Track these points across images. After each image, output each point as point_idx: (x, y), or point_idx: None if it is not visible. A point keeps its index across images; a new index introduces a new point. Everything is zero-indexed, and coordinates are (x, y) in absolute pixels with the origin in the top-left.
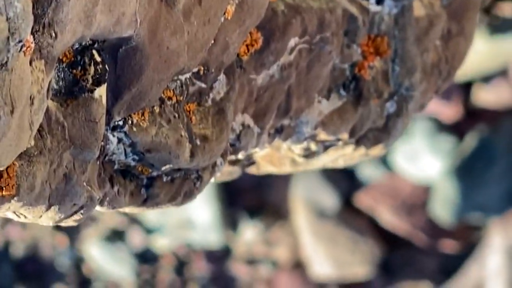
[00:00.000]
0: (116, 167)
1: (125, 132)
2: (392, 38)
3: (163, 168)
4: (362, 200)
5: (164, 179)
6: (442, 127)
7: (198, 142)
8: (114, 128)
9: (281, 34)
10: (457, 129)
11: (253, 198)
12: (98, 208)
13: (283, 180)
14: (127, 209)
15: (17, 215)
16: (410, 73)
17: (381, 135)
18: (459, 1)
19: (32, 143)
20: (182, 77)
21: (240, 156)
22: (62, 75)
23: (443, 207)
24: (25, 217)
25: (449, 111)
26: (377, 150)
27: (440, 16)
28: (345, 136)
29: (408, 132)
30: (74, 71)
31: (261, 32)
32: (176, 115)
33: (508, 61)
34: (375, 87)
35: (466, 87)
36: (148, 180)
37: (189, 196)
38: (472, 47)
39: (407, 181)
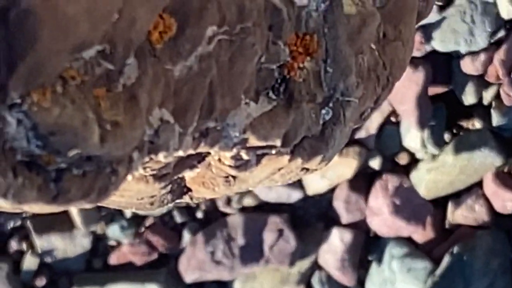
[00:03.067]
0: (19, 157)
1: (24, 112)
2: (322, 36)
3: (71, 154)
4: None
5: (75, 172)
6: (415, 249)
7: (108, 127)
8: (11, 107)
9: (197, 20)
10: (431, 251)
11: None
12: (1, 201)
13: None
14: (36, 207)
15: None
16: (344, 74)
17: (318, 145)
18: (393, 5)
19: None
20: (87, 56)
21: (162, 157)
22: None
23: None
24: None
25: (422, 232)
26: (315, 163)
27: (373, 15)
28: (277, 142)
29: (381, 258)
30: None
31: (175, 18)
32: (82, 96)
33: (480, 175)
34: (307, 90)
35: (439, 206)
36: (56, 173)
37: (104, 192)
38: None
39: None
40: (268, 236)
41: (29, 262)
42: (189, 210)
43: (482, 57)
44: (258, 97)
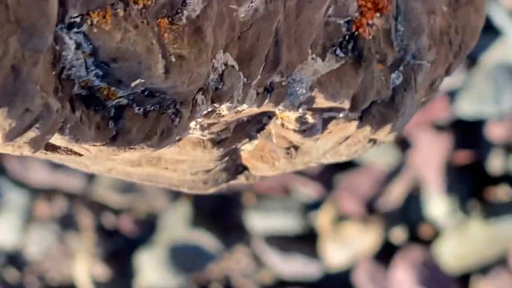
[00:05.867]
0: (76, 88)
1: (84, 34)
2: None
3: (133, 84)
4: None
5: (136, 110)
6: None
7: (173, 58)
8: (70, 27)
9: None
10: None
11: None
12: (58, 136)
13: None
14: (94, 149)
15: None
16: (416, 34)
17: (388, 112)
18: None
19: None
20: None
21: (225, 109)
22: None
23: None
24: None
25: None
26: (385, 132)
27: None
28: (346, 104)
29: None
30: None
31: None
32: (145, 21)
33: (506, 248)
34: (376, 49)
35: (464, 280)
36: (116, 110)
37: (166, 135)
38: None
39: None
40: None
41: None
42: None
43: (510, 122)
44: (325, 54)
